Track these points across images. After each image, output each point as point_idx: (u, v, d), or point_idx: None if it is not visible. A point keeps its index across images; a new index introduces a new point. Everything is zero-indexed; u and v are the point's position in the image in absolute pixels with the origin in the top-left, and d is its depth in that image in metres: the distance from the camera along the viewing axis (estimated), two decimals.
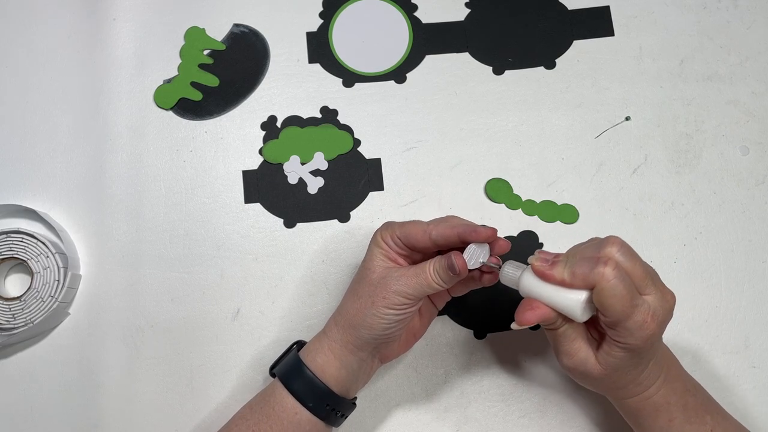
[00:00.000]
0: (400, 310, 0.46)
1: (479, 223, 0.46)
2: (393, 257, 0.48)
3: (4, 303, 0.54)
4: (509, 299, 0.57)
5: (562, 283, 0.42)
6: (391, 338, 0.47)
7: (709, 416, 0.47)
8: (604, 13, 0.65)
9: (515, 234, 0.59)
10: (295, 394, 0.47)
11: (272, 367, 0.50)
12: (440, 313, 0.57)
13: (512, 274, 0.45)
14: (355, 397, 0.51)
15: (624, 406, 0.48)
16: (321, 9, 0.65)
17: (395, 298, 0.45)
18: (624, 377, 0.45)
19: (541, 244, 0.59)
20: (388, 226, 0.48)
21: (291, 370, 0.48)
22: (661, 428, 0.46)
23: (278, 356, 0.51)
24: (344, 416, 0.49)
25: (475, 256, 0.45)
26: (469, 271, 0.45)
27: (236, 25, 0.64)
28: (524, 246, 0.59)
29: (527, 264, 0.45)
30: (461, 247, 0.46)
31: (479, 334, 0.57)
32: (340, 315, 0.48)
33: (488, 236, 0.45)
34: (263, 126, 0.62)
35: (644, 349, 0.42)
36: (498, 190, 0.60)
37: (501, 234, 0.59)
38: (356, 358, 0.48)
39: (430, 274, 0.45)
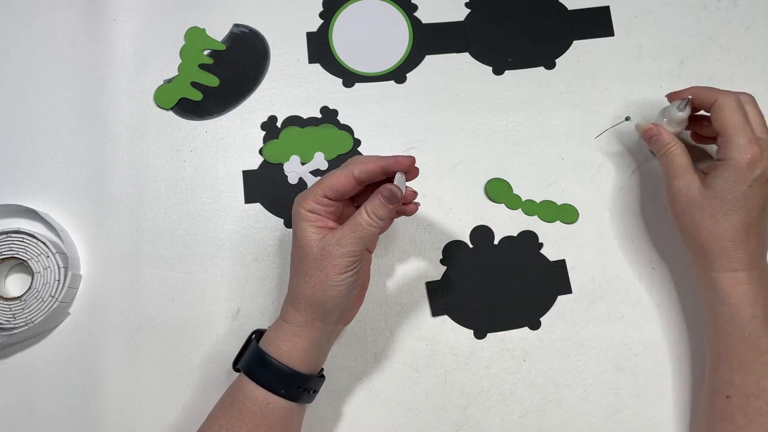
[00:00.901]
0: (352, 269, 0.46)
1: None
2: (323, 224, 0.47)
3: (5, 303, 0.54)
4: (509, 300, 0.58)
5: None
6: (353, 298, 0.49)
7: None
8: (604, 13, 0.65)
9: (515, 234, 0.59)
10: (264, 386, 0.47)
11: (235, 362, 0.50)
12: (440, 313, 0.57)
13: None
14: (322, 369, 0.51)
15: (712, 284, 0.49)
16: (321, 9, 0.65)
17: (344, 260, 0.46)
18: (723, 225, 0.49)
19: (541, 244, 0.59)
20: (304, 195, 0.48)
21: (256, 363, 0.48)
22: (741, 322, 0.48)
23: (238, 350, 0.50)
24: (316, 392, 0.50)
25: (400, 184, 0.47)
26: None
27: (236, 25, 0.64)
28: (525, 245, 0.59)
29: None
30: (382, 182, 0.48)
31: (479, 334, 0.57)
32: (295, 299, 0.48)
33: (410, 163, 0.47)
34: (263, 126, 0.62)
35: (744, 176, 0.49)
36: (498, 190, 0.60)
37: (501, 233, 0.59)
38: (323, 333, 0.48)
39: (366, 220, 0.46)
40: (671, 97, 0.56)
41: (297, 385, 0.47)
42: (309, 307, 0.47)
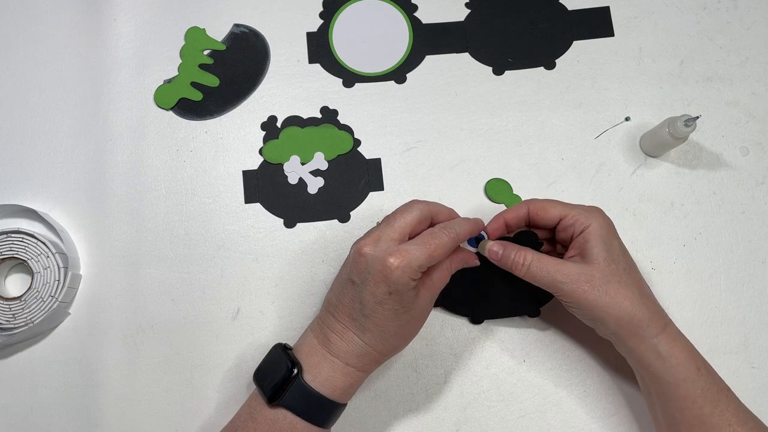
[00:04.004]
0: None
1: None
2: (419, 286, 0.48)
3: (5, 303, 0.54)
4: (508, 294, 0.57)
5: None
6: None
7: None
8: (604, 13, 0.65)
9: (511, 234, 0.59)
10: (322, 425, 0.47)
11: (276, 398, 0.46)
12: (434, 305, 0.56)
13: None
14: None
15: (656, 351, 0.47)
16: (321, 9, 0.65)
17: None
18: (632, 284, 0.48)
19: (542, 243, 0.58)
20: (411, 263, 0.45)
21: (323, 412, 0.47)
22: (692, 380, 0.47)
23: (277, 382, 0.47)
24: None
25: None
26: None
27: (236, 25, 0.64)
28: (525, 244, 0.58)
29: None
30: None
31: (476, 319, 0.57)
32: (384, 356, 0.48)
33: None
34: (263, 126, 0.62)
35: (609, 232, 0.50)
36: (498, 190, 0.61)
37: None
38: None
39: (447, 277, 0.50)
40: (487, 233, 0.54)
41: (338, 416, 0.49)
42: (383, 356, 0.49)
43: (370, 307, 0.46)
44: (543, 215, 0.51)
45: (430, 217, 0.49)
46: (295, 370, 0.47)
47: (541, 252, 0.52)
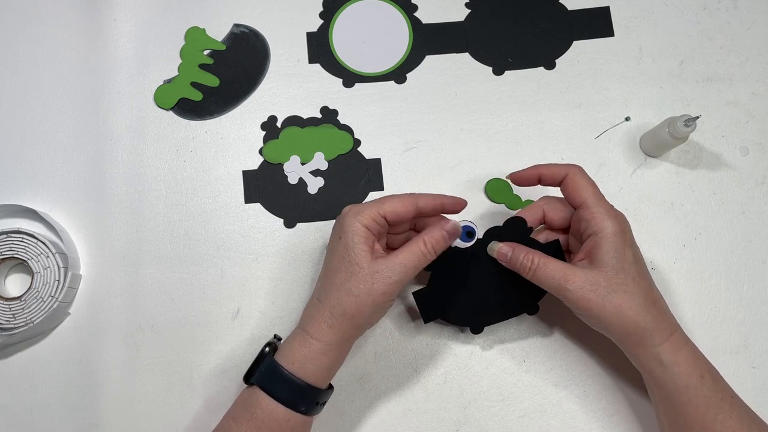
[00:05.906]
0: (396, 295, 0.48)
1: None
2: (371, 243, 0.48)
3: (5, 303, 0.54)
4: (505, 294, 0.56)
5: None
6: None
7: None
8: (604, 13, 0.65)
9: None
10: (286, 404, 0.46)
11: (248, 376, 0.48)
12: (431, 319, 0.55)
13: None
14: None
15: (659, 360, 0.47)
16: (321, 9, 0.65)
17: (394, 288, 0.47)
18: (639, 293, 0.47)
19: (531, 229, 0.54)
20: (360, 209, 0.47)
21: (281, 384, 0.47)
22: (694, 388, 0.46)
23: (252, 363, 0.49)
24: (326, 402, 0.51)
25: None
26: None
27: (236, 25, 0.64)
28: (513, 235, 0.55)
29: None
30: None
31: (476, 329, 0.56)
32: (334, 317, 0.47)
33: (464, 206, 0.51)
34: (263, 126, 0.62)
35: (624, 239, 0.48)
36: (498, 190, 0.61)
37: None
38: (347, 349, 0.49)
39: (423, 251, 0.47)
40: (512, 177, 0.53)
41: (316, 402, 0.48)
42: (348, 327, 0.47)
43: (327, 258, 0.49)
44: (568, 203, 0.51)
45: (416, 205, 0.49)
46: (267, 348, 0.49)
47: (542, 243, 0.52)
